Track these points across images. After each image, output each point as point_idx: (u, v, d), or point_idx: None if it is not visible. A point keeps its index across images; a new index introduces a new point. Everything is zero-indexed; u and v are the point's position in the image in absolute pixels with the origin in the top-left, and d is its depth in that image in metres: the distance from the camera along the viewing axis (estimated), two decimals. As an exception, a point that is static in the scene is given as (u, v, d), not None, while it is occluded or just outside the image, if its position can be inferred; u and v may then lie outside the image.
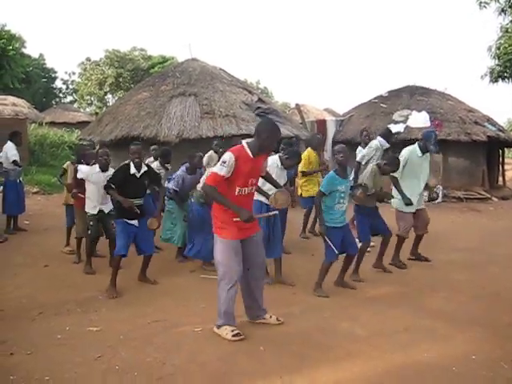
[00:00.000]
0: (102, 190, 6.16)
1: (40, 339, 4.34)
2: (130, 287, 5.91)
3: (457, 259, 7.49)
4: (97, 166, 6.54)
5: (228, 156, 4.21)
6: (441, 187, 14.10)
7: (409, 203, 6.78)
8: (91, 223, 6.59)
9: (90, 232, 6.64)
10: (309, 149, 8.80)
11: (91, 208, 6.60)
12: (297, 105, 18.10)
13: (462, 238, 9.17)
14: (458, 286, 6.18)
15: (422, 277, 6.57)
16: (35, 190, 13.08)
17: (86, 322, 4.76)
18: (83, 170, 6.62)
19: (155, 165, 7.65)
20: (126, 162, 6.04)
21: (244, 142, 4.42)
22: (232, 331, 4.35)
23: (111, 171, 6.40)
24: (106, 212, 6.63)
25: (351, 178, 6.87)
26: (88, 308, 5.16)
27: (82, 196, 6.71)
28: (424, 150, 7.03)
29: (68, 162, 7.97)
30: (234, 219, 4.31)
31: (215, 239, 4.47)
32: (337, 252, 5.61)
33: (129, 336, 4.41)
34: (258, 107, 12.97)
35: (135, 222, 5.79)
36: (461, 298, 5.71)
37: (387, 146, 8.10)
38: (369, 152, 8.08)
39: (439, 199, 13.84)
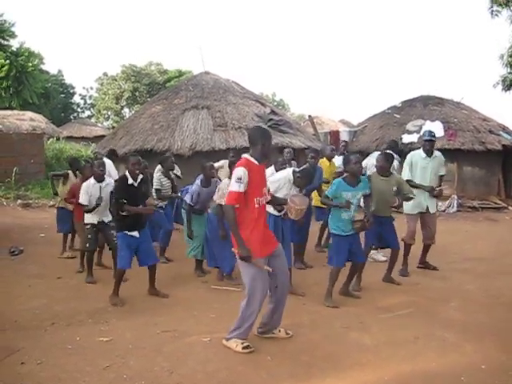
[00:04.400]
0: (101, 201, 6.35)
1: (51, 349, 4.40)
2: (140, 297, 5.95)
3: (470, 268, 7.43)
4: (92, 179, 6.60)
5: (241, 171, 4.23)
6: (456, 197, 14.01)
7: (431, 190, 7.02)
8: (89, 236, 6.66)
9: (87, 245, 6.71)
10: (323, 159, 8.80)
11: (91, 218, 6.66)
12: (309, 116, 18.17)
13: (476, 247, 9.10)
14: (470, 295, 6.14)
15: (434, 286, 6.53)
16: (52, 203, 13.21)
17: (97, 332, 4.81)
18: (84, 191, 6.57)
19: (157, 175, 7.88)
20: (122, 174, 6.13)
21: (245, 155, 4.47)
22: (242, 343, 4.36)
23: (107, 180, 6.54)
24: (106, 222, 6.71)
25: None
26: (99, 319, 5.21)
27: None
28: (428, 152, 7.06)
29: (70, 172, 8.33)
30: (233, 249, 4.36)
31: (239, 261, 4.41)
32: (343, 263, 5.71)
33: (138, 345, 4.45)
34: (271, 119, 13.03)
35: (136, 234, 5.80)
36: (472, 307, 5.67)
37: (398, 158, 8.08)
38: (366, 162, 8.20)
39: (454, 209, 13.74)
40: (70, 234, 8.38)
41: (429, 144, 7.12)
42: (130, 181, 5.77)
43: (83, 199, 6.56)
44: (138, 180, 5.85)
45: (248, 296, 4.36)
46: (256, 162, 4.37)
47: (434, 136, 7.26)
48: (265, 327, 4.70)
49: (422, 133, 7.44)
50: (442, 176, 7.47)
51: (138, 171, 5.83)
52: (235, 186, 4.22)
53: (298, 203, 4.84)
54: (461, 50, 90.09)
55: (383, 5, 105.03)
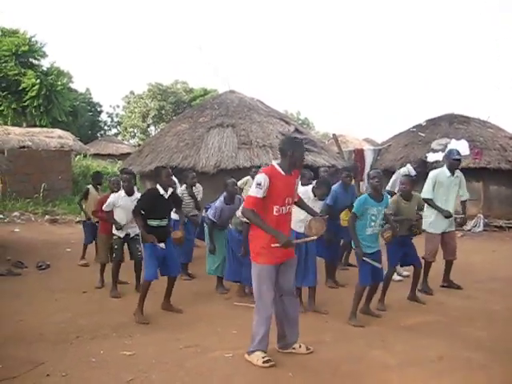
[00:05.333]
0: (130, 214, 6.32)
1: (76, 362, 4.46)
2: (164, 313, 6.00)
3: (496, 288, 7.30)
4: (122, 191, 6.80)
5: (262, 177, 4.30)
6: (482, 216, 13.81)
7: (448, 215, 6.91)
8: (116, 246, 6.85)
9: (114, 255, 6.89)
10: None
11: (118, 231, 6.82)
12: (334, 135, 18.14)
13: (503, 267, 8.93)
14: (496, 315, 6.03)
15: (459, 306, 6.43)
16: (78, 219, 13.43)
17: (120, 346, 4.86)
18: (110, 200, 6.84)
19: (181, 189, 7.98)
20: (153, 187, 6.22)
21: (273, 162, 4.56)
22: (263, 358, 4.37)
23: (137, 194, 6.64)
24: (132, 235, 6.86)
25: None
26: (123, 333, 5.26)
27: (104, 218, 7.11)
28: (452, 170, 7.06)
29: (90, 186, 8.78)
30: (273, 245, 4.34)
31: (252, 266, 4.53)
32: (368, 281, 5.68)
33: (161, 360, 4.49)
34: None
35: (162, 245, 5.87)
36: (499, 328, 5.58)
37: (413, 173, 8.02)
38: (395, 177, 8.17)
39: (480, 228, 13.54)
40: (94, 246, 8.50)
41: (457, 163, 7.11)
42: (162, 191, 5.88)
43: (106, 206, 6.81)
44: (169, 192, 5.96)
45: (256, 301, 4.47)
46: (282, 172, 4.42)
47: (461, 155, 7.26)
48: (282, 341, 4.71)
49: (447, 151, 7.39)
50: (465, 201, 7.42)
51: (169, 184, 5.98)
52: (254, 191, 4.32)
53: (314, 230, 4.79)
54: (486, 67, 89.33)
55: (408, 23, 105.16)
